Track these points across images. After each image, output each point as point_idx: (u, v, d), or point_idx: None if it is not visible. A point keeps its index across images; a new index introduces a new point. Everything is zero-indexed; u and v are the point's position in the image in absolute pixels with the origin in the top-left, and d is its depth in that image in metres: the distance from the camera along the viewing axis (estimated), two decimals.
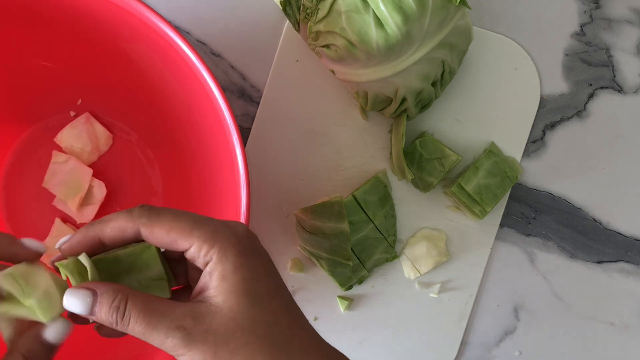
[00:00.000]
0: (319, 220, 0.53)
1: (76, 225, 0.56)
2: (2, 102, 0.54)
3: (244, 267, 0.30)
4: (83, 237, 0.32)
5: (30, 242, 0.33)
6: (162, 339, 0.29)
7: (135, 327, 0.30)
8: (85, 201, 0.56)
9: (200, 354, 0.29)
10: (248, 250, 0.31)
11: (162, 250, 0.34)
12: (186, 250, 0.31)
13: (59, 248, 0.32)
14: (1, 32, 0.48)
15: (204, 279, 0.31)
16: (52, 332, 0.31)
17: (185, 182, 0.55)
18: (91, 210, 0.56)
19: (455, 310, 0.57)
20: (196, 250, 0.30)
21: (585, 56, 0.58)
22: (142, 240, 0.32)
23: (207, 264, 0.31)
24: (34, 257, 0.32)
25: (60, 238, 0.38)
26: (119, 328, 0.30)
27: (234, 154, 0.43)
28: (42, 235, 0.56)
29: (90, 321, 0.32)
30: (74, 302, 0.30)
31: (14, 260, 0.32)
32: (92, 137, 0.56)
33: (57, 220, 0.55)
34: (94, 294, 0.30)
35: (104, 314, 0.30)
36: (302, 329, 0.32)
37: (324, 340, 0.33)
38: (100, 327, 0.33)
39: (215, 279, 0.30)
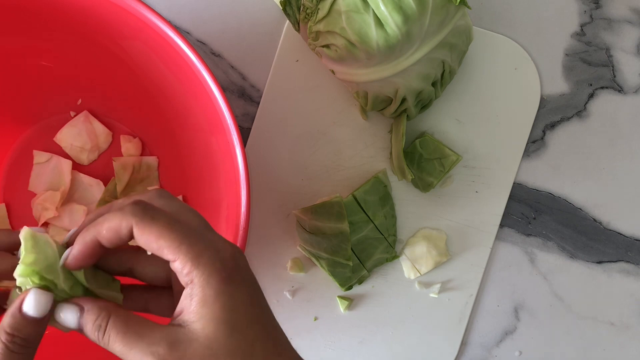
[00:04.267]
0: (319, 220, 0.53)
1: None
2: (2, 102, 0.54)
3: (226, 295, 0.30)
4: (83, 247, 0.31)
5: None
6: None
7: (114, 346, 0.30)
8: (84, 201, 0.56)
9: None
10: (232, 277, 0.30)
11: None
12: (170, 262, 0.31)
13: (63, 264, 0.31)
14: (1, 32, 0.48)
15: (184, 300, 0.30)
16: (30, 303, 0.30)
17: (184, 181, 0.55)
18: (90, 210, 0.56)
19: (455, 310, 0.57)
20: (179, 266, 0.30)
21: (585, 56, 0.58)
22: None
23: (187, 284, 0.30)
24: None
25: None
26: (101, 345, 0.30)
27: (234, 154, 0.43)
28: None
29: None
30: (65, 315, 0.31)
31: (13, 248, 0.33)
32: (91, 135, 0.56)
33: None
34: (81, 309, 0.31)
35: (88, 331, 0.31)
36: (281, 357, 0.31)
37: None
38: None
39: (195, 304, 0.30)
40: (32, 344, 0.31)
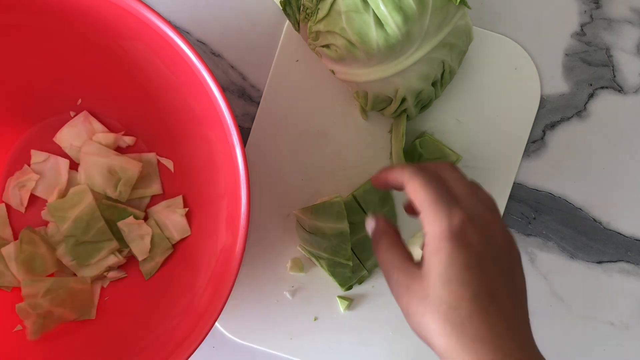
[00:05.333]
0: (319, 220, 0.53)
1: None
2: (2, 102, 0.54)
3: (458, 258, 0.37)
4: (382, 177, 0.43)
5: None
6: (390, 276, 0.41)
7: (378, 255, 0.42)
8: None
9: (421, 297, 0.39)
10: (462, 243, 0.37)
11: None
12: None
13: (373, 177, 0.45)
14: (1, 32, 0.48)
15: (425, 249, 0.38)
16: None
17: (184, 181, 0.55)
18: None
19: None
20: (421, 220, 0.39)
21: (585, 56, 0.58)
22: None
23: (425, 235, 0.38)
24: None
25: None
26: (375, 250, 0.42)
27: (234, 154, 0.43)
28: None
29: None
30: (368, 223, 0.44)
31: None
32: (90, 135, 0.56)
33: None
34: (376, 222, 0.44)
35: (369, 229, 0.44)
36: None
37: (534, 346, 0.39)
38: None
39: (434, 264, 0.37)
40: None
